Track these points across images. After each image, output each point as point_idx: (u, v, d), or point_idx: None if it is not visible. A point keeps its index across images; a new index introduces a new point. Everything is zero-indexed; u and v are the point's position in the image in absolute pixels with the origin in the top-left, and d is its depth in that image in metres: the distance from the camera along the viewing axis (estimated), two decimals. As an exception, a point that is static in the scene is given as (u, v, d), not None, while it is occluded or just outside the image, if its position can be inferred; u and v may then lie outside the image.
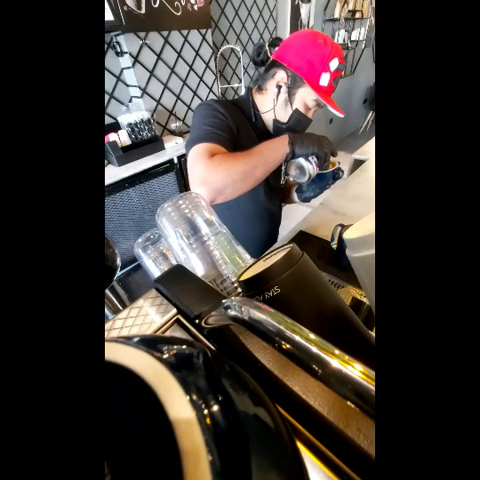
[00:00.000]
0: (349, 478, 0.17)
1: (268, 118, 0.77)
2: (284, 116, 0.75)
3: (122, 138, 1.67)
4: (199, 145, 0.62)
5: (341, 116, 0.73)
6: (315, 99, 0.70)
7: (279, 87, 0.72)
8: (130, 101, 1.90)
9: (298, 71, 0.68)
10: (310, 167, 0.69)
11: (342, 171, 0.81)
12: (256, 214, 0.90)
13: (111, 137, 1.61)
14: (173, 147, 1.84)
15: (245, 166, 0.60)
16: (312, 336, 0.15)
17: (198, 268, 0.39)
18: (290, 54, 0.69)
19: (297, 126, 0.76)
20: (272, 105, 0.74)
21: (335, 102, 0.72)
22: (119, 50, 1.67)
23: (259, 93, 0.77)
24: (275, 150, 0.65)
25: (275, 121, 0.76)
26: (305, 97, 0.71)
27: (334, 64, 0.66)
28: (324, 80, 0.67)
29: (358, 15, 3.42)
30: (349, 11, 3.30)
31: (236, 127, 0.70)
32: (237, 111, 0.76)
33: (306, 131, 0.79)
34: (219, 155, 0.60)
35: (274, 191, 0.91)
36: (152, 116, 1.88)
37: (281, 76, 0.71)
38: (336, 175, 0.80)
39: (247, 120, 0.79)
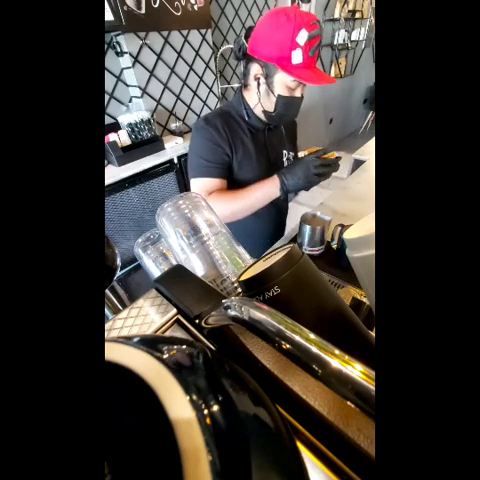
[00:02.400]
0: (349, 478, 0.17)
1: (259, 112, 0.79)
2: (270, 106, 0.76)
3: (122, 138, 1.67)
4: (197, 180, 0.78)
5: (333, 83, 0.70)
6: (293, 80, 0.69)
7: (257, 79, 0.73)
8: (130, 101, 1.90)
9: (269, 60, 0.68)
10: None
11: (338, 164, 0.79)
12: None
13: (111, 137, 1.61)
14: (173, 147, 1.84)
15: (235, 207, 0.75)
16: (312, 336, 0.15)
17: (198, 268, 0.39)
18: (258, 44, 0.68)
19: (287, 109, 0.76)
20: (257, 99, 0.76)
21: (320, 70, 0.70)
22: (119, 50, 1.67)
23: (246, 90, 0.80)
24: (266, 196, 0.76)
25: (264, 112, 0.78)
26: (284, 81, 0.70)
27: (302, 37, 0.63)
28: (296, 57, 0.65)
29: (358, 15, 3.41)
30: (349, 11, 3.29)
31: (229, 142, 0.77)
32: (228, 120, 0.80)
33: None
34: (214, 194, 0.75)
35: None
36: (152, 116, 1.87)
37: (256, 69, 0.72)
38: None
39: (241, 122, 0.81)
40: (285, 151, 0.91)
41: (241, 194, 0.76)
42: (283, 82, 0.70)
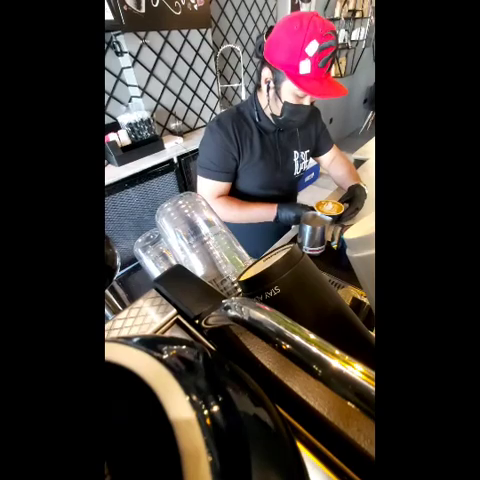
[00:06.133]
0: (349, 478, 0.17)
1: (269, 114, 0.81)
2: (277, 110, 0.76)
3: (122, 138, 1.66)
4: (205, 180, 0.85)
5: (343, 95, 0.68)
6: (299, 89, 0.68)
7: (267, 83, 0.73)
8: (130, 101, 1.89)
9: (278, 66, 0.68)
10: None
11: (342, 224, 0.82)
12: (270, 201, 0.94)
13: (111, 137, 1.61)
14: (173, 147, 1.84)
15: (235, 217, 0.87)
16: (312, 336, 0.15)
17: (198, 268, 0.39)
18: (271, 49, 0.69)
19: (293, 116, 0.76)
20: (267, 101, 0.77)
21: (332, 80, 0.69)
22: (119, 50, 1.67)
23: (258, 91, 0.81)
24: (261, 218, 0.87)
25: (272, 115, 0.79)
26: (291, 89, 0.70)
27: (312, 48, 0.61)
28: (304, 68, 0.64)
29: (358, 15, 3.40)
30: (349, 11, 3.29)
31: (237, 146, 0.82)
32: (239, 122, 0.82)
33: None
34: (222, 199, 0.87)
35: (287, 182, 0.95)
36: (152, 116, 1.87)
37: (267, 73, 0.72)
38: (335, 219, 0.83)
39: (252, 123, 0.83)
40: (296, 151, 0.91)
41: (243, 208, 0.87)
42: (290, 90, 0.70)
